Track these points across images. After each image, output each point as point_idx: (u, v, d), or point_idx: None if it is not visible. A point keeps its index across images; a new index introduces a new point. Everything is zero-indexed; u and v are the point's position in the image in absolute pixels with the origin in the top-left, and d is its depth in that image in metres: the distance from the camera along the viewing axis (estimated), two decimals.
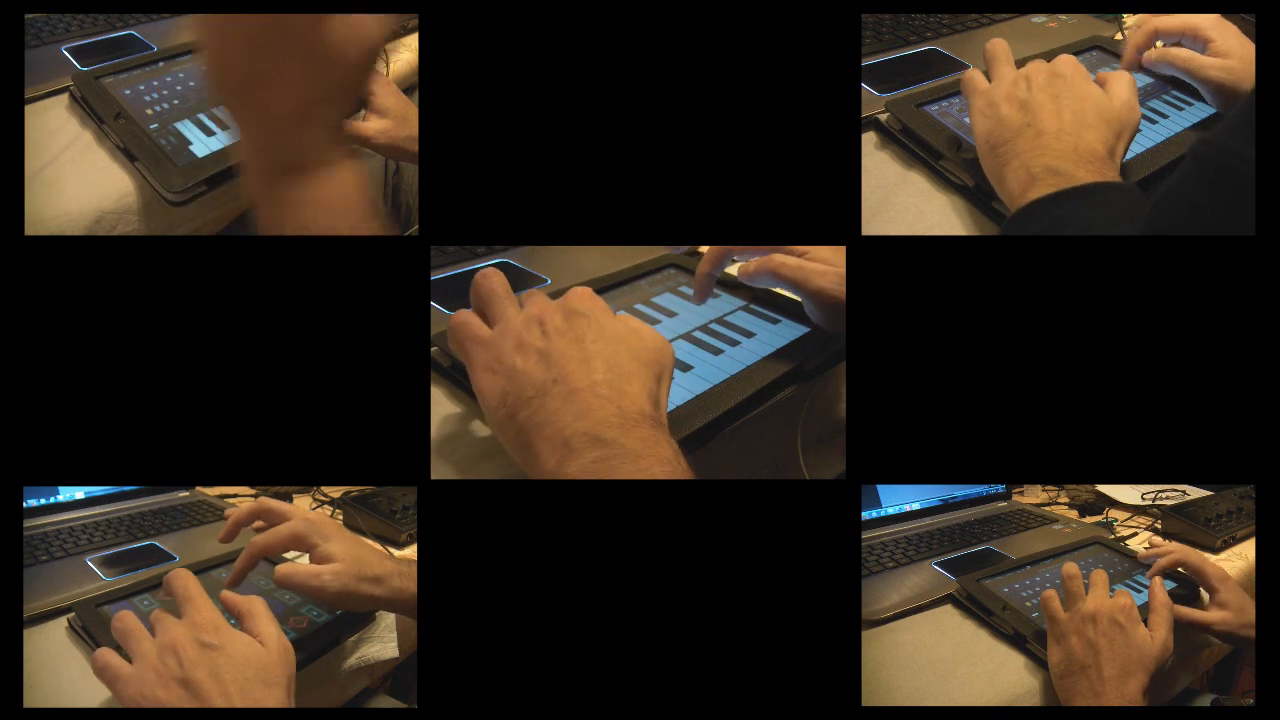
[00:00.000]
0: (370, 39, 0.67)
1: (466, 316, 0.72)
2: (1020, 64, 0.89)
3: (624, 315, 0.72)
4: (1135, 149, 0.93)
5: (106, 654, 0.73)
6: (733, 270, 0.94)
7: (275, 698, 0.71)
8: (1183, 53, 0.97)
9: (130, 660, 0.72)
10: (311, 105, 0.65)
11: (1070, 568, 0.96)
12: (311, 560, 0.89)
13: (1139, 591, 1.07)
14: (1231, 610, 1.03)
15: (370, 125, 0.98)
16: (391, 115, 0.98)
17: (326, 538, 0.89)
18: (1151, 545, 1.20)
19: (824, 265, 0.85)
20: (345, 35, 0.65)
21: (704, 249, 1.09)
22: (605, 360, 0.67)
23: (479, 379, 0.70)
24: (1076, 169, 0.80)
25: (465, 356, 0.71)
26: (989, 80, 0.89)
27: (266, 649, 0.73)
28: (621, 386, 0.67)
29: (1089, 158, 0.81)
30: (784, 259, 0.85)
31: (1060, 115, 0.83)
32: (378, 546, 0.95)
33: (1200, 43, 0.98)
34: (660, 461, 0.65)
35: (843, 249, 0.85)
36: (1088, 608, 0.92)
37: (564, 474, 0.65)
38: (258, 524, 0.93)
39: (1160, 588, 0.97)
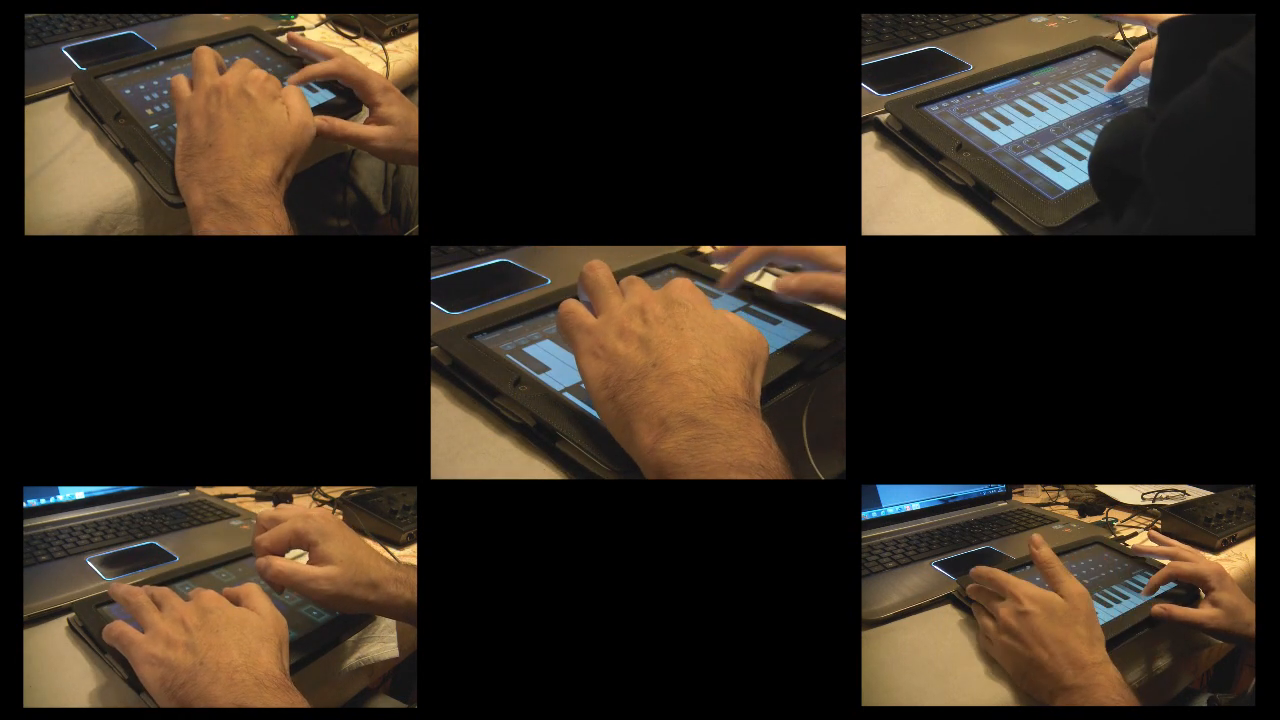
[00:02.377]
0: (300, 120, 0.90)
1: (573, 305, 0.76)
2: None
3: (721, 309, 0.76)
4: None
5: (120, 625, 0.81)
6: (764, 283, 0.95)
7: (269, 650, 0.79)
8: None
9: (142, 630, 0.80)
10: (251, 158, 0.86)
11: (971, 588, 0.98)
12: (310, 560, 0.89)
13: (1138, 590, 1.07)
14: (1224, 609, 1.03)
15: (372, 129, 0.98)
16: (394, 122, 0.98)
17: (326, 535, 0.89)
18: (1154, 539, 1.20)
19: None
20: (279, 114, 0.89)
21: (706, 249, 1.09)
22: (702, 346, 0.71)
23: (583, 362, 0.74)
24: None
25: (571, 342, 0.76)
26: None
27: (261, 616, 0.81)
28: (717, 371, 0.70)
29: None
30: (831, 278, 0.84)
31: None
32: (378, 549, 0.95)
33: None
34: (752, 443, 0.68)
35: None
36: (1002, 619, 0.93)
37: (660, 450, 0.68)
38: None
39: (1042, 550, 0.97)
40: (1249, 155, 0.70)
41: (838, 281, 0.84)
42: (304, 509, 0.93)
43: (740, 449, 0.67)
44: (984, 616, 0.96)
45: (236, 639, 0.78)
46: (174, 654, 0.77)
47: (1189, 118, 0.71)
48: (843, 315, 0.88)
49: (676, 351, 0.71)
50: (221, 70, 0.91)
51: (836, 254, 0.85)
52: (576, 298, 0.79)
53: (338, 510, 1.23)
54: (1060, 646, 0.89)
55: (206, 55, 0.92)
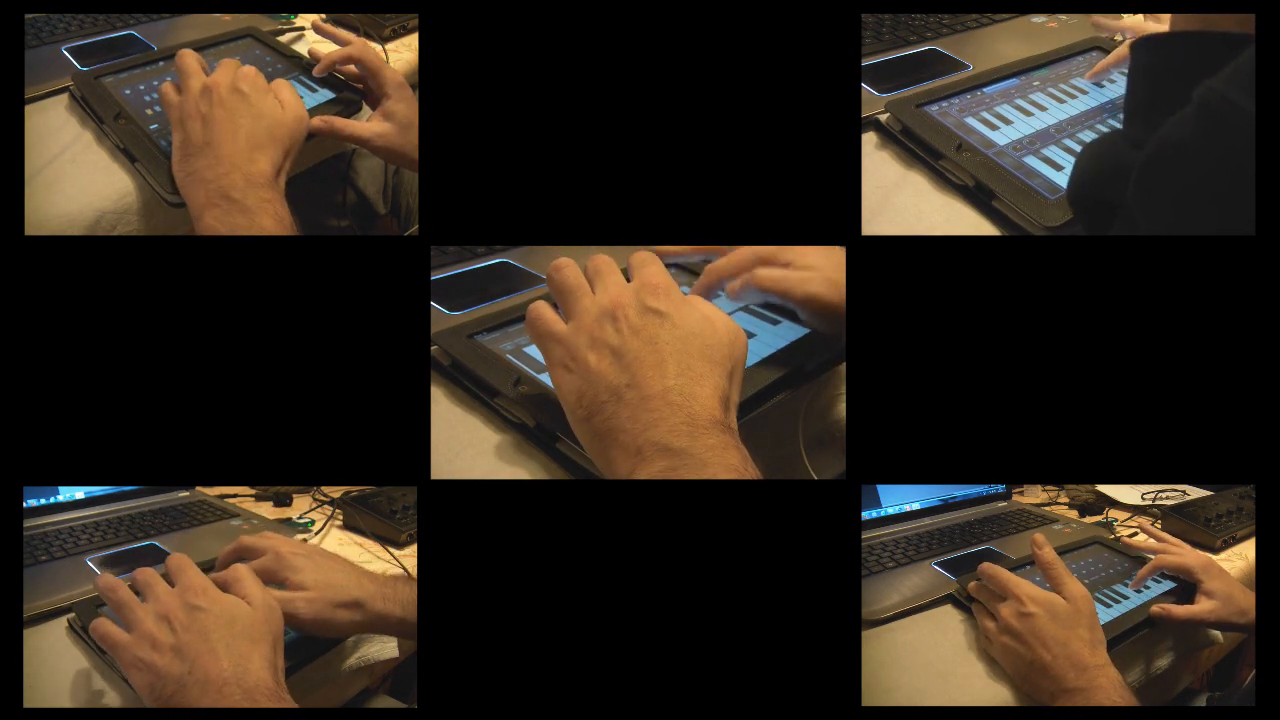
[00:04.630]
0: (294, 112, 0.91)
1: (542, 310, 0.74)
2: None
3: (695, 299, 0.73)
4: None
5: (105, 624, 0.79)
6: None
7: (261, 653, 0.76)
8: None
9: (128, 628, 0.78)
10: (250, 153, 0.86)
11: (973, 586, 0.98)
12: (286, 589, 0.89)
13: (1138, 590, 1.07)
14: (1219, 599, 1.03)
15: (370, 127, 0.98)
16: (395, 121, 0.98)
17: (296, 569, 0.88)
18: (1147, 531, 1.21)
19: (807, 271, 0.83)
20: (273, 107, 0.89)
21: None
22: (678, 363, 0.69)
23: (556, 375, 0.72)
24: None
25: (541, 350, 0.74)
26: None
27: (252, 608, 0.79)
28: (693, 391, 0.68)
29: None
30: (765, 272, 0.83)
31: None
32: (361, 568, 0.94)
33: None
34: (726, 469, 0.66)
35: (832, 249, 0.85)
36: (1003, 619, 0.93)
37: (635, 479, 0.67)
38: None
39: (1045, 551, 0.98)
40: (1240, 182, 0.69)
41: (772, 276, 0.83)
42: (279, 544, 0.91)
43: (714, 476, 0.66)
44: (985, 617, 0.96)
45: (226, 643, 0.76)
46: (160, 659, 0.75)
47: (1177, 150, 0.70)
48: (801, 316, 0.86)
49: (651, 370, 0.68)
50: (206, 71, 0.91)
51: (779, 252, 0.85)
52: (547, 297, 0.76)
53: (338, 510, 1.23)
54: (1062, 649, 0.89)
55: (190, 58, 0.92)
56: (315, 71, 1.01)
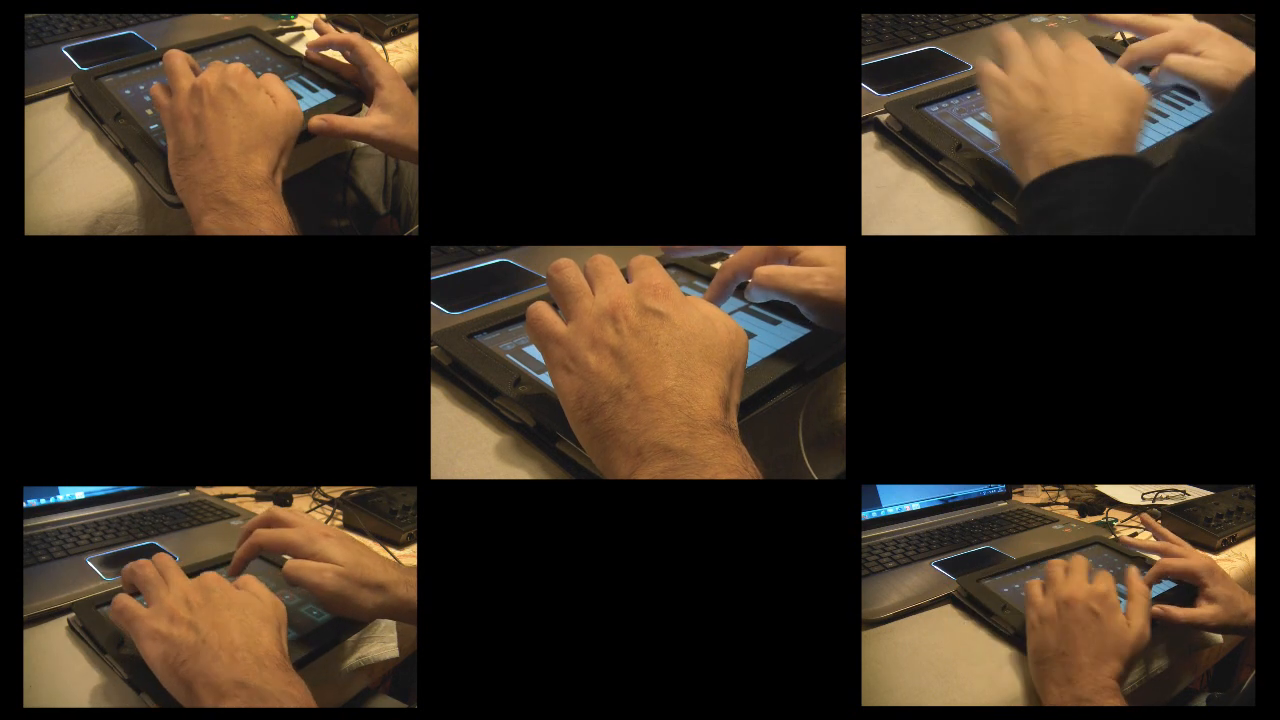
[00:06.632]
0: (287, 107, 0.90)
1: (542, 311, 0.74)
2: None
3: (695, 300, 0.73)
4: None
5: (124, 598, 0.82)
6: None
7: (269, 631, 0.79)
8: (1179, 59, 0.97)
9: (147, 604, 0.81)
10: (245, 154, 0.86)
11: (1055, 560, 0.98)
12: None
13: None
14: (1221, 603, 1.03)
15: (370, 120, 0.98)
16: (394, 111, 0.97)
17: (325, 546, 0.90)
18: (1148, 525, 1.21)
19: (808, 267, 0.84)
20: (265, 104, 0.89)
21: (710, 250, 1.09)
22: (677, 363, 0.69)
23: (556, 376, 0.72)
24: (1094, 151, 0.80)
25: (542, 351, 0.74)
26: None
27: (261, 600, 0.82)
28: (693, 392, 0.68)
29: (1108, 139, 0.81)
30: (763, 269, 0.85)
31: (1076, 98, 0.83)
32: (386, 556, 0.95)
33: (1190, 54, 0.98)
34: (727, 469, 0.66)
35: (838, 247, 0.85)
36: (1064, 592, 0.93)
37: (636, 480, 0.67)
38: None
39: (1137, 576, 0.98)
40: (1241, 215, 0.70)
41: (768, 273, 0.84)
42: (309, 523, 0.92)
43: (715, 477, 0.66)
44: (1059, 567, 0.96)
45: (238, 619, 0.79)
46: (177, 631, 0.77)
47: (1170, 213, 0.71)
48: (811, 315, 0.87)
49: (651, 371, 0.68)
50: (196, 71, 0.91)
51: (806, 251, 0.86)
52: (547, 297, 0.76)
53: (338, 510, 1.23)
54: (1096, 663, 0.90)
55: (178, 58, 0.91)
56: (309, 50, 1.02)
